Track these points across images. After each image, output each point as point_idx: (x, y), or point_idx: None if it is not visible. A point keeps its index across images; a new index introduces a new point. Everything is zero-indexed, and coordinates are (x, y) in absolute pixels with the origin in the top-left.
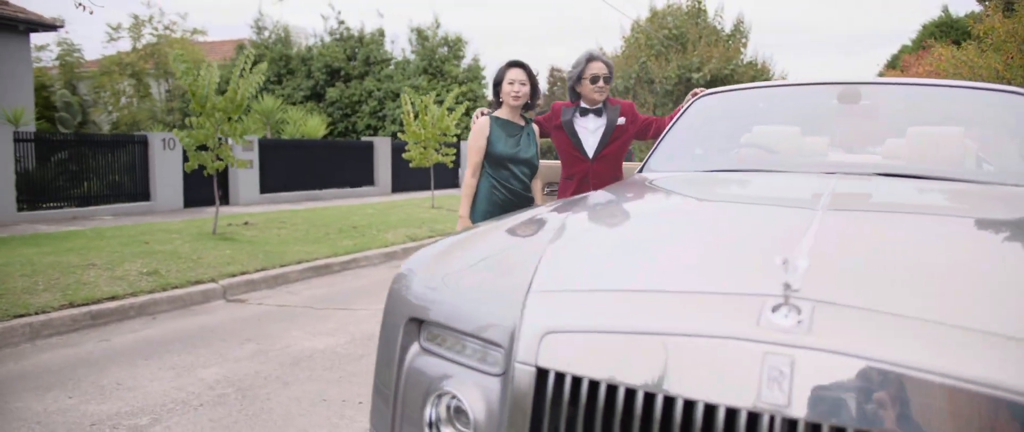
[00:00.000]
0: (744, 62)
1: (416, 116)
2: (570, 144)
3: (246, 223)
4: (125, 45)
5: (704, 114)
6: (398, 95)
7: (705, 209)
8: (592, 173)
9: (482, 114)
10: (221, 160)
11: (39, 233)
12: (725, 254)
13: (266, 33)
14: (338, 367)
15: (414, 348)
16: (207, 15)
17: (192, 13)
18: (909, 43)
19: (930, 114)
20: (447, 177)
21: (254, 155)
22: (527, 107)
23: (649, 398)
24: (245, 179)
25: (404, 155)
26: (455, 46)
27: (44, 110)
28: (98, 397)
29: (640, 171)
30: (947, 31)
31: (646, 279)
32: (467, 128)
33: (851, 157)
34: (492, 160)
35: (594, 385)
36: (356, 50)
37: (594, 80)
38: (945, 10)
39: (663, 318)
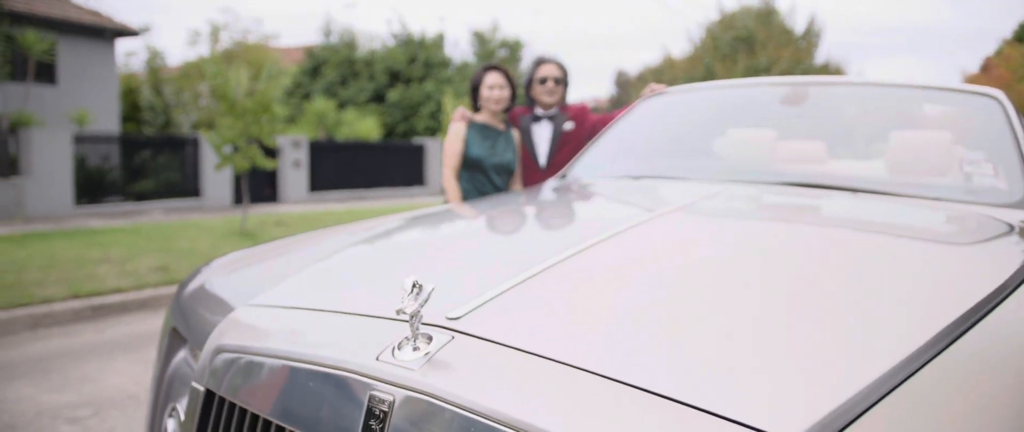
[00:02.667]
0: (816, 64)
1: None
2: (527, 153)
3: (279, 222)
4: (205, 50)
5: (644, 117)
6: (457, 97)
7: (532, 220)
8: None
9: (462, 117)
10: (248, 160)
11: (83, 228)
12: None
13: (333, 37)
14: None
15: (179, 356)
16: (280, 22)
17: (266, 19)
18: (1002, 42)
19: (874, 117)
20: None
21: (303, 155)
22: (506, 111)
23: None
24: (294, 178)
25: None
26: (514, 49)
27: (132, 111)
28: (58, 388)
29: (559, 176)
30: None
31: (340, 298)
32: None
33: (782, 166)
34: (468, 164)
35: (237, 411)
36: (417, 53)
37: (543, 81)
38: None
39: (305, 342)
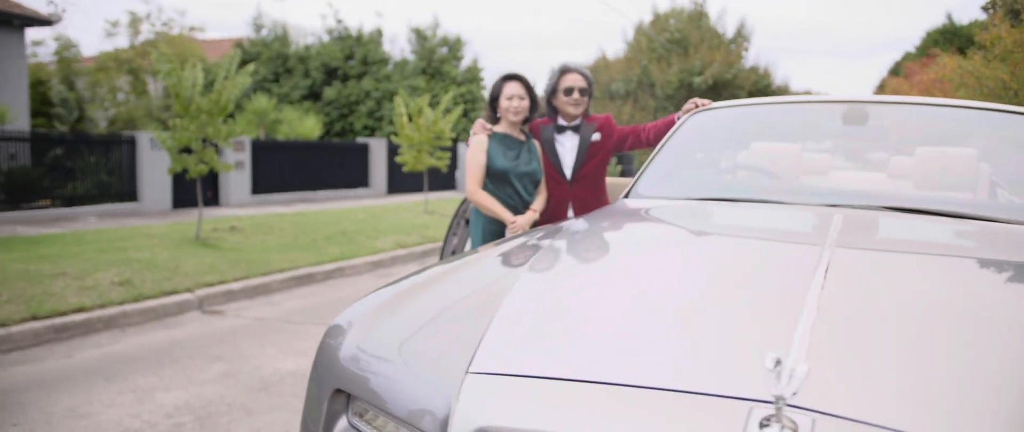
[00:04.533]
0: (746, 67)
1: (410, 119)
2: (550, 165)
3: (232, 228)
4: (123, 41)
5: (699, 131)
6: (395, 94)
7: (689, 263)
8: (573, 197)
9: (483, 129)
10: (205, 163)
11: (16, 236)
12: (707, 336)
13: (264, 32)
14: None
15: (342, 423)
16: (206, 12)
17: (190, 10)
18: (913, 50)
19: (940, 137)
20: (441, 180)
21: (246, 156)
22: (525, 121)
23: None
24: (236, 180)
25: (397, 159)
26: (454, 47)
27: (41, 106)
28: (44, 427)
29: (626, 195)
30: (951, 38)
31: (606, 366)
32: (465, 130)
33: (854, 184)
34: (494, 176)
35: None
36: (354, 49)
37: (568, 92)
38: (949, 17)
39: (622, 424)
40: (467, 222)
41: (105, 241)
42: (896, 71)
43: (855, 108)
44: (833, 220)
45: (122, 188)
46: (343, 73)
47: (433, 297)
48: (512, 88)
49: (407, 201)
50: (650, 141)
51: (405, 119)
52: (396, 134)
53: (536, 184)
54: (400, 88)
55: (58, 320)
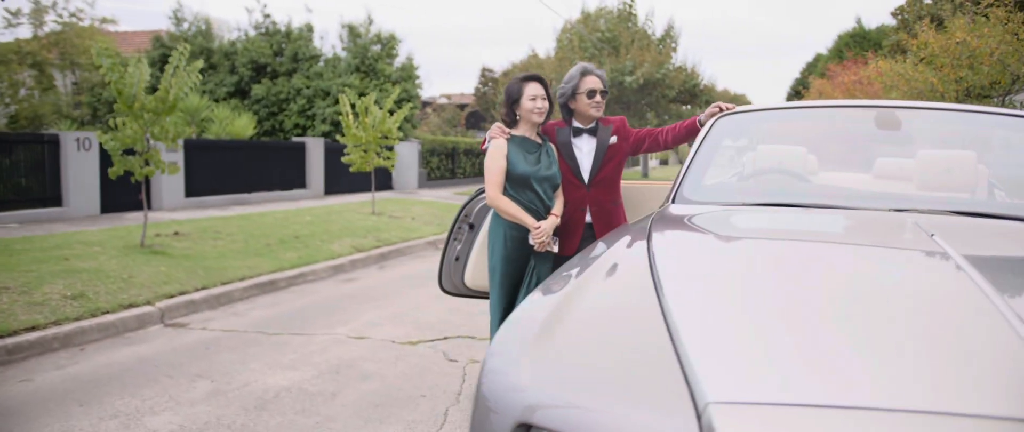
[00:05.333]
0: (674, 66)
1: (355, 117)
2: (567, 169)
3: (176, 233)
4: (25, 32)
5: (732, 136)
6: (329, 93)
7: (834, 272)
8: (590, 200)
9: (502, 132)
10: (150, 165)
11: None
12: (934, 351)
13: (185, 25)
14: (312, 410)
15: None
16: (116, 4)
17: (100, 1)
18: (825, 51)
19: (963, 142)
20: (382, 179)
21: (179, 157)
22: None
23: None
24: (169, 183)
25: (344, 159)
26: (388, 44)
27: None
28: None
29: (672, 200)
30: (861, 41)
31: (857, 388)
32: (408, 122)
33: (899, 188)
34: (515, 181)
35: None
36: (283, 46)
37: (590, 95)
38: (858, 22)
39: None
40: (471, 227)
41: (39, 250)
42: (820, 72)
43: (886, 113)
44: (922, 225)
45: (44, 192)
46: (272, 70)
47: (588, 317)
48: (534, 89)
49: (349, 202)
50: (668, 144)
51: (351, 118)
52: (336, 133)
53: (556, 188)
54: (335, 85)
55: (10, 340)
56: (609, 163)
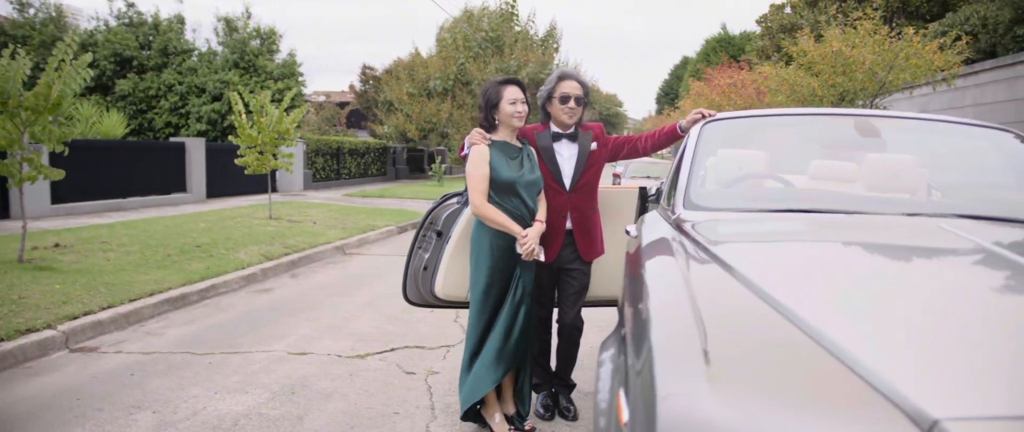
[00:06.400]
0: (556, 66)
1: (249, 117)
2: (548, 174)
3: (57, 245)
4: None
5: (723, 142)
6: (204, 90)
7: (917, 278)
8: (571, 206)
9: (483, 138)
10: (35, 169)
11: None
12: None
13: (32, 11)
14: None
15: None
16: None
17: None
18: (693, 54)
19: (946, 151)
20: (264, 181)
21: (44, 159)
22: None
23: None
24: (34, 187)
25: (238, 161)
26: (269, 39)
27: None
28: None
29: (684, 206)
30: (726, 46)
31: None
32: (300, 124)
33: (892, 194)
34: (500, 187)
35: None
36: (151, 38)
37: (564, 100)
38: (723, 27)
39: None
40: (439, 234)
41: None
42: (692, 74)
43: (863, 121)
44: (941, 228)
45: None
46: (139, 64)
47: (732, 339)
48: (513, 92)
49: (238, 206)
50: (647, 151)
51: (244, 118)
52: (214, 133)
53: (539, 193)
54: (211, 83)
55: None
56: (590, 169)
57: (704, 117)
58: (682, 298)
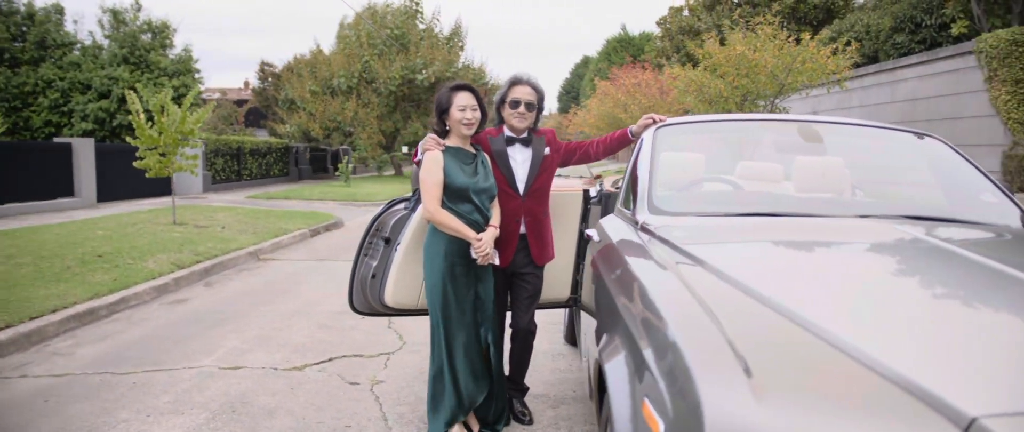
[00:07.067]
0: (462, 65)
1: (148, 117)
2: (502, 178)
3: None
4: None
5: (675, 146)
6: (90, 87)
7: (905, 278)
8: (525, 211)
9: (436, 144)
10: None
11: None
12: None
13: None
14: None
15: None
16: None
17: None
18: (594, 54)
19: (878, 155)
20: (161, 184)
21: None
22: (474, 133)
23: None
24: None
25: (138, 164)
26: (162, 33)
27: None
28: None
29: (649, 211)
30: (627, 46)
31: None
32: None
33: (836, 196)
34: (453, 193)
35: None
36: (25, 29)
37: (515, 105)
38: (623, 28)
39: None
40: (388, 241)
41: None
42: (598, 73)
43: (807, 127)
44: (894, 230)
45: None
46: (12, 57)
47: (758, 347)
48: (463, 99)
49: (134, 210)
50: (599, 156)
51: (142, 117)
52: (101, 132)
53: (492, 199)
54: (98, 79)
55: None
56: (543, 174)
57: (655, 122)
58: (693, 305)
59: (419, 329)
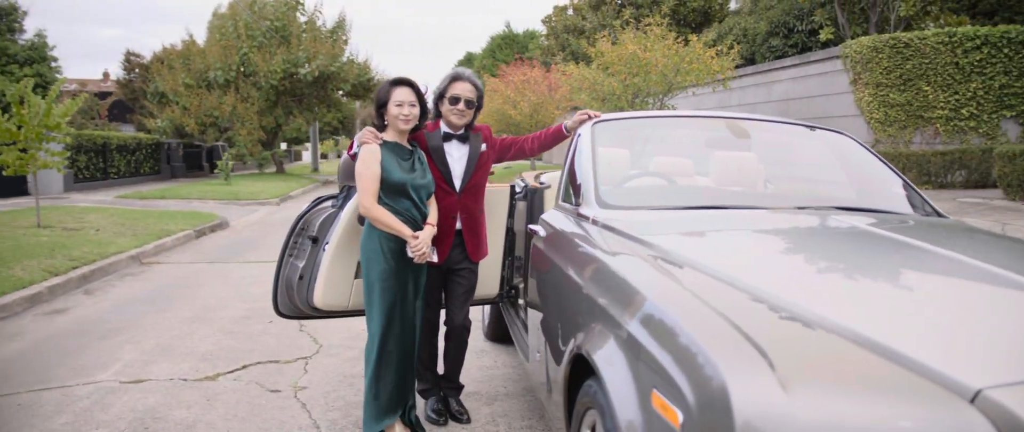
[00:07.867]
0: (347, 59)
1: (6, 110)
2: (439, 175)
3: None
4: None
5: (613, 141)
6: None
7: (876, 265)
8: (461, 207)
9: (374, 137)
10: None
11: None
12: None
13: None
14: None
15: None
16: None
17: None
18: (478, 50)
19: (795, 148)
20: (12, 184)
21: None
22: (415, 129)
23: None
24: None
25: None
26: (10, 16)
27: None
28: None
29: (599, 205)
30: (511, 43)
31: None
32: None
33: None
34: (390, 189)
35: None
36: None
37: (454, 101)
38: (508, 26)
39: None
40: (315, 240)
41: None
42: (485, 68)
43: (736, 124)
44: (835, 220)
45: None
46: None
47: (765, 335)
48: (401, 94)
49: None
50: (534, 152)
51: None
52: None
53: (430, 195)
54: (24, 78)
55: None
56: (479, 170)
57: (590, 118)
58: (688, 296)
59: (333, 332)
